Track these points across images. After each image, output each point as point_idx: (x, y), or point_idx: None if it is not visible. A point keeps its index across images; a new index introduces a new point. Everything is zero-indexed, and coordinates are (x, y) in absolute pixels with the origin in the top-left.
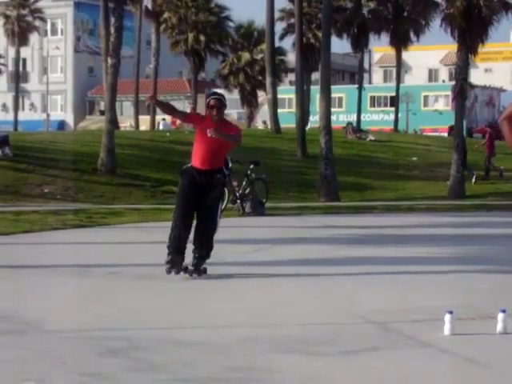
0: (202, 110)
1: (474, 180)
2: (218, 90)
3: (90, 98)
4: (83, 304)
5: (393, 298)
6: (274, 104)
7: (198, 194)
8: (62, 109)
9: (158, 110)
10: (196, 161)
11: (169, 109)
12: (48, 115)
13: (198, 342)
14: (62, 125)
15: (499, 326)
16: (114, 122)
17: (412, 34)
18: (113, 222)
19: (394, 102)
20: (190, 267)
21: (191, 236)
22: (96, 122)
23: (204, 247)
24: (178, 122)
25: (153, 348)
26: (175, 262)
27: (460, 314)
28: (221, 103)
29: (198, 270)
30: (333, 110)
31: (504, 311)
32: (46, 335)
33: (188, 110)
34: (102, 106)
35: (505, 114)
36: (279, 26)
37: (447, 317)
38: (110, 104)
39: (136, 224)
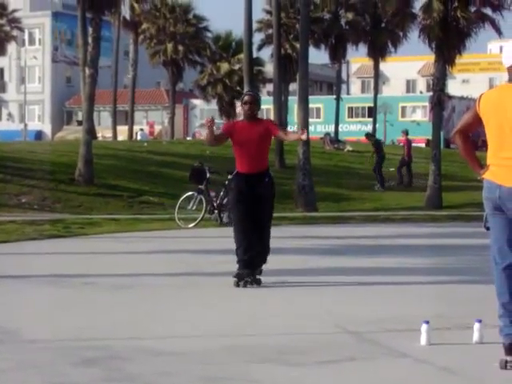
0: (179, 120)
1: (377, 187)
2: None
3: (68, 108)
4: (60, 314)
5: (369, 308)
6: None
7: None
8: (40, 119)
9: (136, 120)
10: (243, 166)
11: (215, 139)
12: (25, 125)
13: (175, 352)
14: (39, 135)
15: (475, 336)
16: (91, 132)
17: (390, 45)
18: (90, 232)
19: (372, 112)
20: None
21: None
22: (73, 132)
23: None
24: (156, 132)
25: (129, 358)
26: (241, 275)
27: (436, 323)
28: (254, 99)
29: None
30: (311, 120)
31: (480, 321)
32: (22, 345)
33: (166, 120)
34: (80, 116)
35: (458, 127)
36: (257, 37)
37: (423, 327)
38: (88, 114)
39: (113, 234)
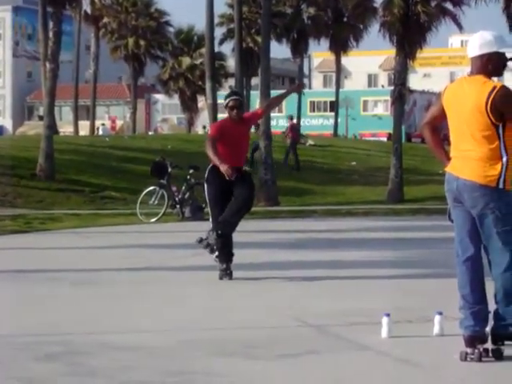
0: (141, 114)
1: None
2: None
3: (29, 103)
4: (22, 309)
5: (331, 301)
6: (214, 109)
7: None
8: (1, 114)
9: (98, 115)
10: (228, 160)
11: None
12: None
13: (138, 347)
14: (0, 130)
15: (436, 328)
16: (52, 128)
17: (351, 40)
18: (51, 228)
19: (334, 106)
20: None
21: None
22: (35, 127)
23: None
24: (118, 127)
25: (92, 353)
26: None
27: (397, 316)
28: (240, 104)
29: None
30: (272, 114)
31: (441, 313)
32: None
33: (128, 115)
34: (41, 111)
35: (425, 119)
36: (219, 31)
37: (384, 319)
38: (49, 109)
39: (75, 229)
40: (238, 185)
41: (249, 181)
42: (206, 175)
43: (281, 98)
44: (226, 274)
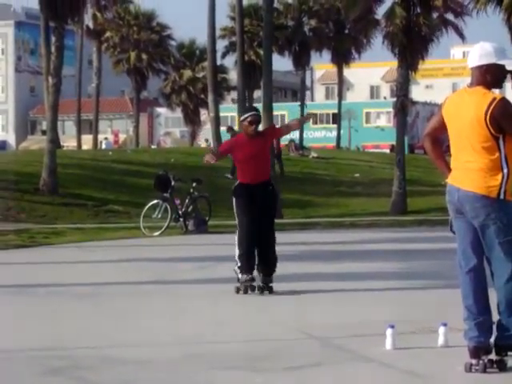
0: (144, 128)
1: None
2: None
3: (32, 117)
4: (26, 324)
5: (335, 313)
6: (217, 122)
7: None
8: (4, 129)
9: (101, 128)
10: (246, 178)
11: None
12: None
13: (142, 360)
14: (3, 145)
15: (440, 340)
16: (55, 142)
17: (353, 52)
18: (55, 242)
19: (337, 118)
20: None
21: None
22: (38, 142)
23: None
24: (121, 140)
25: (95, 367)
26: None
27: (402, 328)
28: (259, 118)
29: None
30: None
31: (445, 325)
32: None
33: (131, 129)
34: (44, 125)
35: (426, 131)
36: (221, 44)
37: (389, 331)
38: (52, 124)
39: (78, 243)
40: (262, 202)
41: (272, 198)
42: (233, 190)
43: (299, 124)
44: (251, 285)
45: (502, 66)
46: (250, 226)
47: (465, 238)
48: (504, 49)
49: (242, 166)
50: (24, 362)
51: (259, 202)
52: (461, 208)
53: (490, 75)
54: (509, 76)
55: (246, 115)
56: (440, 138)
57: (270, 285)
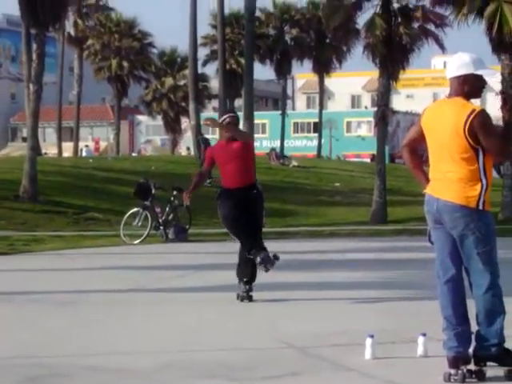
0: (125, 136)
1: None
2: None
3: (13, 124)
4: (4, 331)
5: (314, 323)
6: (198, 130)
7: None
8: None
9: (81, 136)
10: (228, 183)
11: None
12: None
13: (119, 369)
14: None
15: (419, 350)
16: (36, 149)
17: (334, 61)
18: (35, 250)
19: (318, 128)
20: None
21: None
22: (19, 149)
23: None
24: (102, 148)
25: (74, 375)
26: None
27: (381, 338)
28: (236, 120)
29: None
30: (256, 136)
31: (424, 335)
32: None
33: (111, 136)
34: (25, 132)
35: (404, 141)
36: (202, 52)
37: (368, 341)
38: (33, 131)
39: (58, 251)
40: (246, 207)
41: (255, 203)
42: (217, 196)
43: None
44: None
45: (480, 77)
46: (239, 228)
47: (443, 249)
48: (481, 59)
49: (222, 170)
50: (2, 371)
51: (242, 207)
52: (439, 218)
53: (468, 85)
54: (496, 89)
55: (223, 117)
56: (418, 149)
57: (250, 294)
